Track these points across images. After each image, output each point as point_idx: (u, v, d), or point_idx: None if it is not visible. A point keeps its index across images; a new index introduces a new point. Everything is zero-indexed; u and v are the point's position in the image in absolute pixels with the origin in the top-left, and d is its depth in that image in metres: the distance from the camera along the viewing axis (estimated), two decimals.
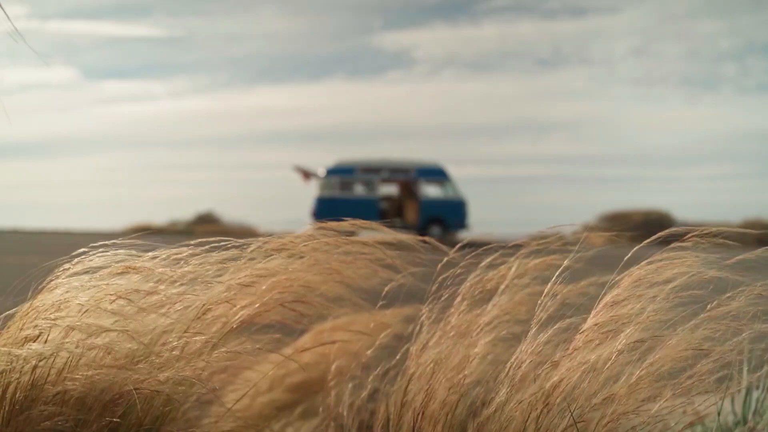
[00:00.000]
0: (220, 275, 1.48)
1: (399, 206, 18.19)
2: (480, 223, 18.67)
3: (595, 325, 1.35)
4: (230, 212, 24.64)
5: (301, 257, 1.55)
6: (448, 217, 17.69)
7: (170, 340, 1.45)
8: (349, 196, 17.40)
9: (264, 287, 1.50)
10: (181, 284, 1.45)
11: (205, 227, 22.47)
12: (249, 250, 1.54)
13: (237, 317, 1.48)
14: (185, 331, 1.45)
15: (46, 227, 21.51)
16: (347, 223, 1.59)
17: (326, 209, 17.26)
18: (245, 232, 22.22)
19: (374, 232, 1.59)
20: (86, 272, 1.39)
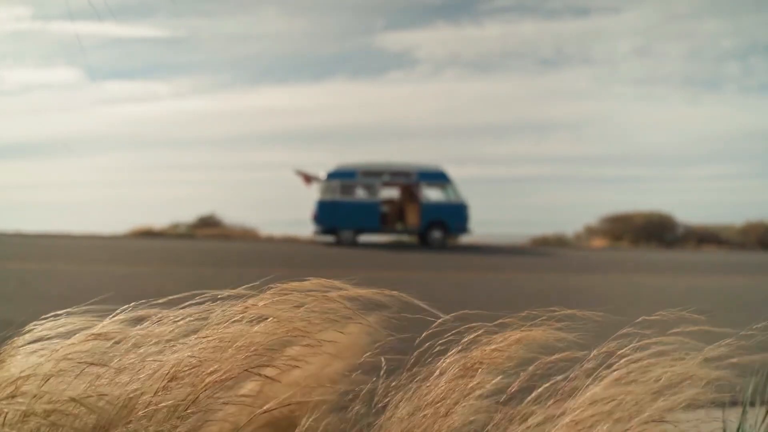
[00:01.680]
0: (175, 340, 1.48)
1: (400, 210, 18.19)
2: (481, 225, 18.66)
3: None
4: (232, 214, 24.70)
5: (264, 319, 1.54)
6: (449, 220, 17.70)
7: (137, 407, 1.45)
8: (350, 200, 17.40)
9: (228, 352, 1.50)
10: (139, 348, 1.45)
11: (206, 230, 22.51)
12: (213, 315, 1.53)
13: (203, 384, 1.47)
14: (149, 400, 1.44)
15: (49, 230, 21.60)
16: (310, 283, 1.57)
17: (327, 213, 17.28)
18: (246, 235, 22.27)
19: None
20: (42, 339, 1.39)
